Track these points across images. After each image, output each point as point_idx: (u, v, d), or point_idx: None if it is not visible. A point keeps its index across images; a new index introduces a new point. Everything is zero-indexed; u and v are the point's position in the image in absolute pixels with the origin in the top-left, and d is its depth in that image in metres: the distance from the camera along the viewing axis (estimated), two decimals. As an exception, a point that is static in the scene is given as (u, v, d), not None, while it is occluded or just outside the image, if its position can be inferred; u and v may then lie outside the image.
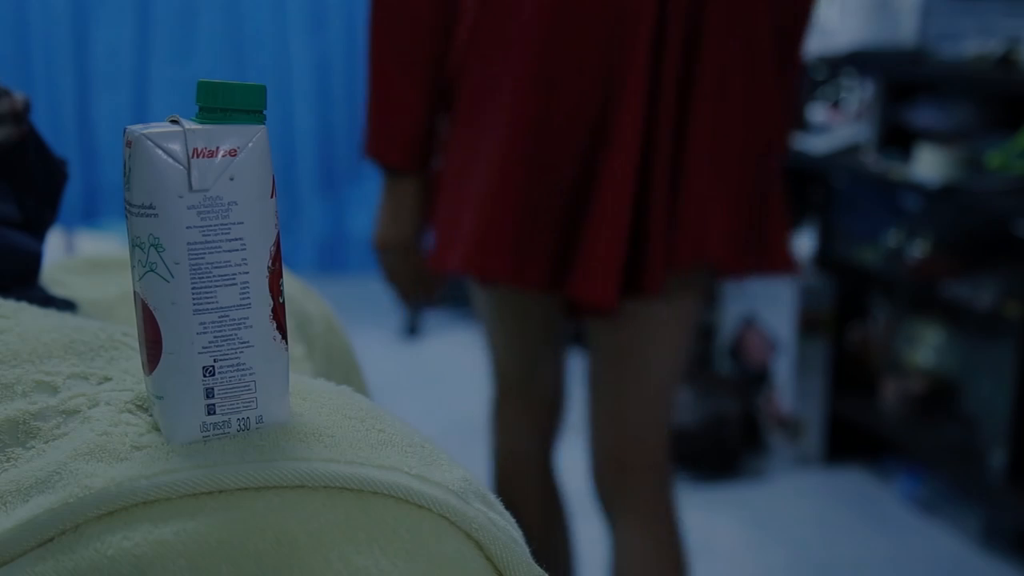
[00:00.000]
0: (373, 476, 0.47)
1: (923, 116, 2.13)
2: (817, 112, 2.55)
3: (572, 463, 2.37)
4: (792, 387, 2.32)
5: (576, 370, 2.43)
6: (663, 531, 1.31)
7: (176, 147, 0.46)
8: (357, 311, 3.13)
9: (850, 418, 2.30)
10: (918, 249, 2.15)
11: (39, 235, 0.62)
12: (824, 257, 2.41)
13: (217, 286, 0.47)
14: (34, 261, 0.59)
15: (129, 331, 0.56)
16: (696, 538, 2.06)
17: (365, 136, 1.24)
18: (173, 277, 0.46)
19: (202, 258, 0.46)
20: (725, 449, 2.29)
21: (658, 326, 1.21)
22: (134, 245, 0.47)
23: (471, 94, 1.17)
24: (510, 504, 0.53)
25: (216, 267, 0.47)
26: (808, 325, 2.31)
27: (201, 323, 0.47)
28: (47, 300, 0.58)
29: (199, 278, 0.46)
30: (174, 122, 0.47)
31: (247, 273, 0.47)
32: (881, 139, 2.24)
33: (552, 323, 1.32)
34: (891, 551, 1.99)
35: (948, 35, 2.12)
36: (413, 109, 1.19)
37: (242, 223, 0.47)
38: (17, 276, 0.58)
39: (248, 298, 0.47)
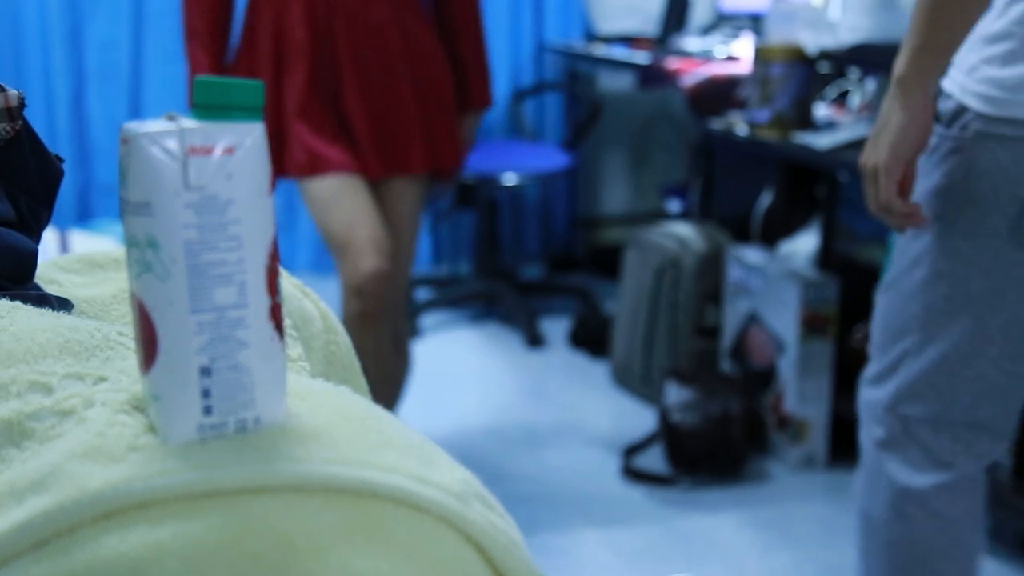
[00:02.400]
0: (372, 478, 0.46)
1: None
2: (821, 108, 2.54)
3: (566, 462, 2.37)
4: (796, 388, 2.32)
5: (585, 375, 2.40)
6: None
7: (173, 145, 0.45)
8: (359, 310, 3.13)
9: (855, 419, 2.29)
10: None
11: (34, 234, 0.61)
12: (828, 255, 2.40)
13: (214, 285, 0.46)
14: (29, 260, 0.59)
15: (125, 331, 0.55)
16: (700, 539, 2.05)
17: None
18: (169, 276, 0.46)
19: (199, 257, 0.46)
20: (730, 450, 2.29)
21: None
22: (130, 244, 0.47)
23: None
24: None
25: (213, 266, 0.46)
26: (812, 325, 2.30)
27: (198, 323, 0.46)
28: (42, 299, 0.57)
29: (196, 277, 0.46)
30: (171, 119, 0.47)
31: (244, 272, 0.47)
32: (885, 137, 2.24)
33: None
34: (895, 551, 1.99)
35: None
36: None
37: (239, 221, 0.46)
38: (11, 275, 0.57)
39: (245, 297, 0.47)
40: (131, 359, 0.52)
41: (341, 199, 1.99)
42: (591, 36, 3.77)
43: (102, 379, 0.50)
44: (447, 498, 0.47)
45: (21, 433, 0.47)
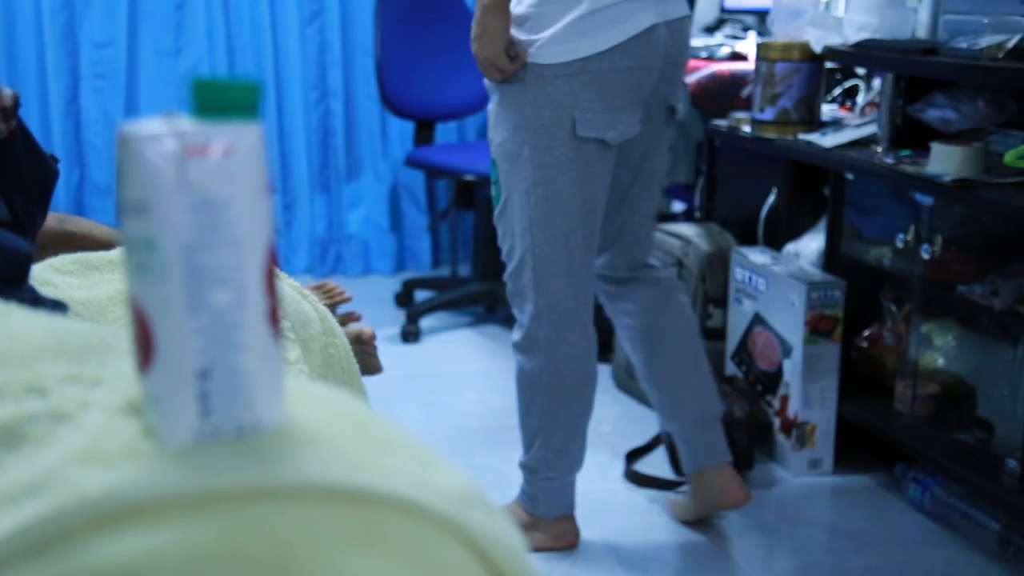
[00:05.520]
0: (371, 482, 0.46)
1: (936, 111, 2.10)
2: (828, 108, 2.53)
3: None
4: (801, 391, 2.30)
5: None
6: None
7: (170, 146, 0.45)
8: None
9: (861, 423, 2.28)
10: (932, 248, 2.12)
11: (28, 235, 0.61)
12: (834, 256, 2.38)
13: (211, 287, 0.46)
14: (24, 261, 0.58)
15: (121, 333, 0.55)
16: (704, 544, 2.04)
17: None
18: (167, 278, 0.45)
19: (196, 259, 0.45)
20: (735, 454, 2.27)
21: None
22: (127, 245, 0.46)
23: None
24: None
25: (210, 268, 0.46)
26: (818, 327, 2.29)
27: (195, 325, 0.46)
28: (37, 301, 0.57)
29: (193, 279, 0.45)
30: (168, 119, 0.46)
31: (242, 274, 0.46)
32: (893, 135, 2.22)
33: None
34: (903, 560, 1.97)
35: (962, 30, 2.09)
36: None
37: (236, 223, 0.46)
38: (6, 277, 0.57)
39: (243, 299, 0.46)
40: (127, 362, 0.51)
41: None
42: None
43: (98, 382, 0.50)
44: (447, 503, 0.47)
45: (16, 437, 0.47)
